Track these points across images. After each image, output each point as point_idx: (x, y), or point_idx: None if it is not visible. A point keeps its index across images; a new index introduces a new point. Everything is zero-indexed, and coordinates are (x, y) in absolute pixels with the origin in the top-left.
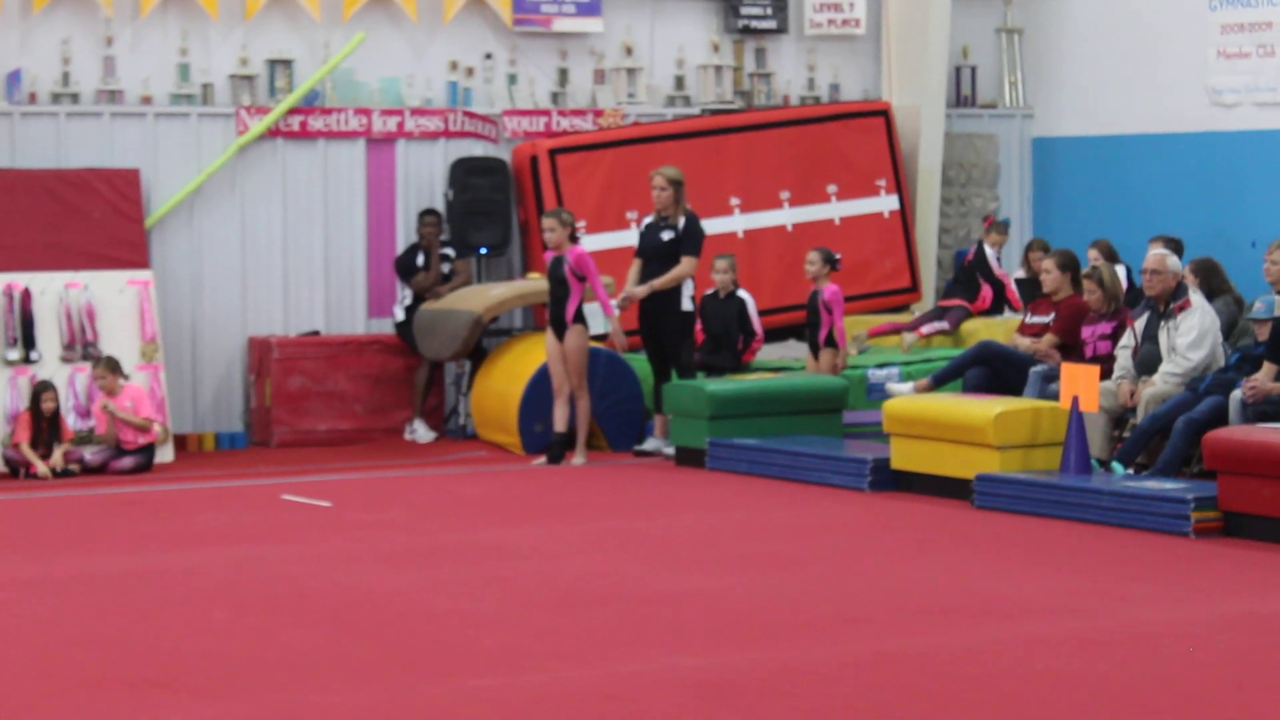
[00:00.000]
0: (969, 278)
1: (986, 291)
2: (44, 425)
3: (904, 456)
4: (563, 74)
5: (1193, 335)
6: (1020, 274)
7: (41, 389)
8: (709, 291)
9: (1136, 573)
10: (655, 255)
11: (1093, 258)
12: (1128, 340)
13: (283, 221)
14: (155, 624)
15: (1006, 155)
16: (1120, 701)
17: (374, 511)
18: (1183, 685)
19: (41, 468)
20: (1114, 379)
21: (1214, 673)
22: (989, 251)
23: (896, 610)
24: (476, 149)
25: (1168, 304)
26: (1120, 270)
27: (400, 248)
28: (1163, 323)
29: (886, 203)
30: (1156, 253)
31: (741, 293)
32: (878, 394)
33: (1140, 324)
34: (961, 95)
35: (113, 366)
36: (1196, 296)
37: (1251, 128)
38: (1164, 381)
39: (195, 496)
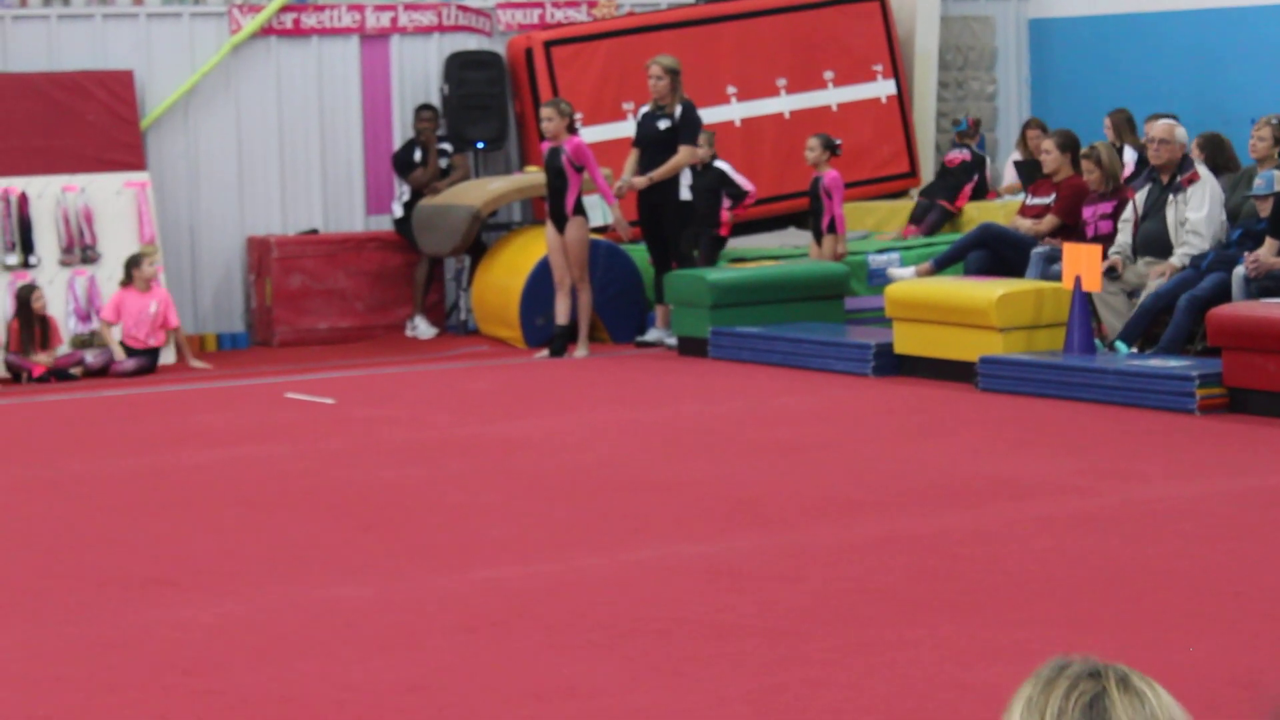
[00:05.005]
0: (956, 180)
1: (967, 188)
2: (36, 329)
3: (907, 341)
4: None
5: (1205, 209)
6: (1017, 156)
7: (29, 290)
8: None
9: (1142, 451)
10: (652, 145)
11: (1107, 127)
12: (1129, 214)
13: (278, 120)
14: (161, 523)
15: (1003, 38)
16: (1126, 578)
17: (378, 407)
18: (1189, 561)
19: (42, 356)
20: (1111, 252)
21: (1220, 548)
22: (977, 150)
23: (902, 493)
24: (471, 43)
25: (1173, 177)
26: (1130, 150)
27: (397, 144)
28: (1171, 196)
29: (884, 88)
30: (1165, 122)
31: (719, 163)
32: (879, 279)
33: (1141, 196)
34: None
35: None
36: (1203, 169)
37: (1249, 4)
38: (1181, 261)
39: (198, 397)
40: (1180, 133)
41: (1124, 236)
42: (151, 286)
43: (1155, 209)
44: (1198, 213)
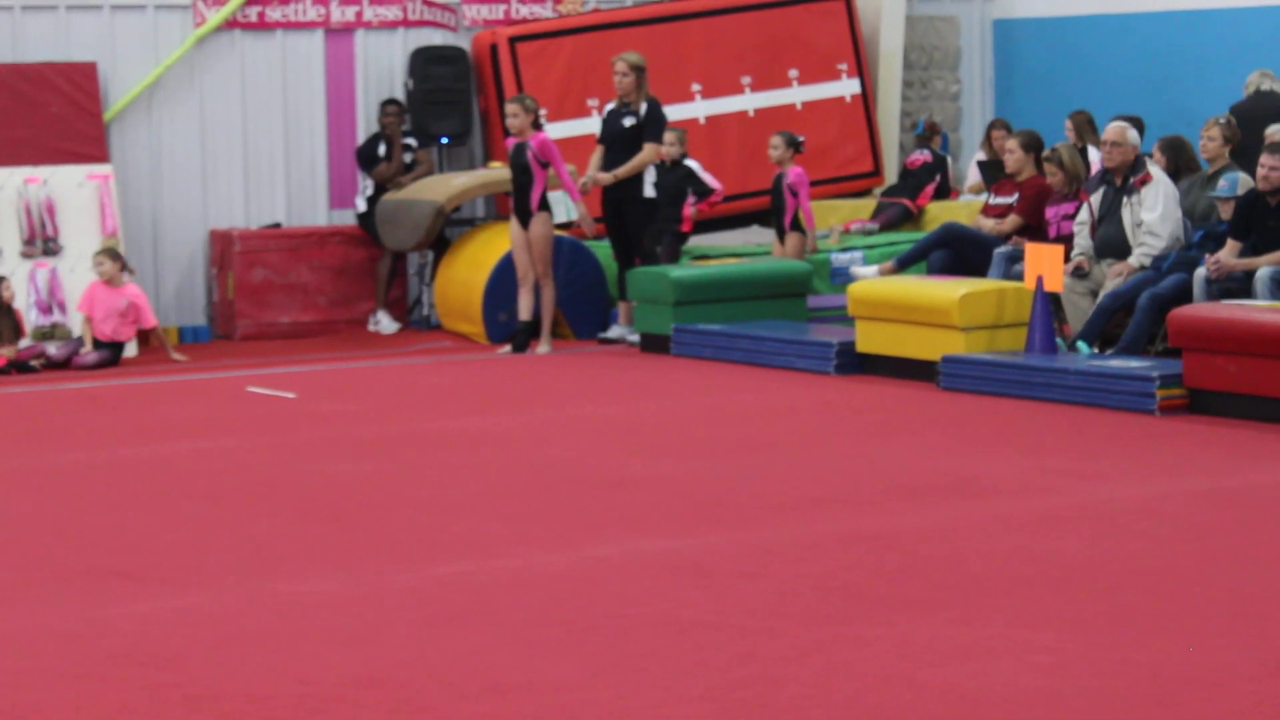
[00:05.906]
0: (918, 181)
1: (929, 187)
2: (1, 321)
3: (869, 339)
4: None
5: (1160, 209)
6: (981, 156)
7: None
8: (657, 162)
9: (1102, 451)
10: (617, 141)
11: (1068, 129)
12: (1084, 216)
13: (242, 113)
14: (122, 516)
15: (968, 38)
16: (1086, 578)
17: (339, 402)
18: (1149, 561)
19: (4, 349)
20: (1075, 253)
21: (1180, 548)
22: (939, 152)
23: (864, 491)
24: (436, 38)
25: (1126, 178)
26: (1094, 150)
27: (361, 138)
28: (1125, 199)
29: (848, 87)
30: (1116, 124)
31: (688, 161)
32: (842, 278)
33: (1096, 199)
34: None
35: (114, 254)
36: (1155, 169)
37: (1212, 6)
38: (1139, 261)
39: (160, 390)
40: (1132, 135)
41: (1081, 239)
42: (123, 284)
43: (1111, 212)
44: (1152, 213)
